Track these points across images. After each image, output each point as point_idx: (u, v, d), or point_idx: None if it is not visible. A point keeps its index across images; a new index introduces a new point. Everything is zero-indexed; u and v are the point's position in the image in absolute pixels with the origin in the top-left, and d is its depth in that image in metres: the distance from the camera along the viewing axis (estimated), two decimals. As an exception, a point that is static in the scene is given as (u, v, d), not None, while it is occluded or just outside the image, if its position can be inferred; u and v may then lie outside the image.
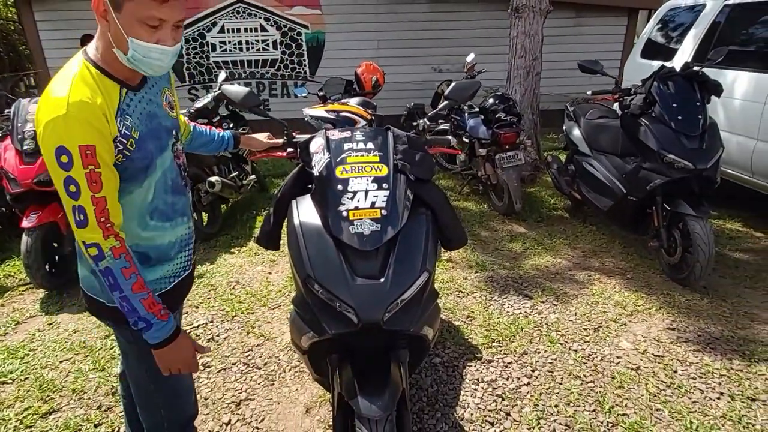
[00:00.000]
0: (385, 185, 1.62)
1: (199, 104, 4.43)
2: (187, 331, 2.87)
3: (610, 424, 2.13)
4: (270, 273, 3.66)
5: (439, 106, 2.05)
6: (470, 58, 5.42)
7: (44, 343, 2.84)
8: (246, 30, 8.17)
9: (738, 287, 3.25)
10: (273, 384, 2.45)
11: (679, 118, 3.16)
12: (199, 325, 2.95)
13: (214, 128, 1.91)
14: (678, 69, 3.36)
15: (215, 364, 2.61)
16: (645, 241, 3.61)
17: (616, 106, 3.95)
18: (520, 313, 3.01)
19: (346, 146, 1.71)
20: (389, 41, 8.32)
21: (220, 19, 8.10)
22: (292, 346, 1.85)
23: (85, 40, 7.13)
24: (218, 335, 2.86)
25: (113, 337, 1.51)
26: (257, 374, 2.52)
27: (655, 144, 3.19)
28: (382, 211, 1.57)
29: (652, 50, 5.64)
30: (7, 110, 3.65)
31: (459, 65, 5.51)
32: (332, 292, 1.51)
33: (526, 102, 5.70)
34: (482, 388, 2.37)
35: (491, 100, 4.63)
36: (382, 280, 1.52)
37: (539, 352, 2.63)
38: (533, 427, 2.13)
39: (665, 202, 3.32)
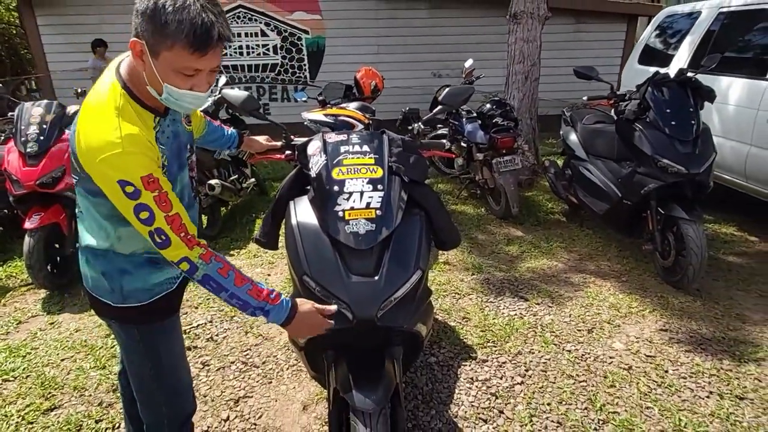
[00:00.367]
0: (379, 186, 1.67)
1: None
2: (187, 331, 2.92)
3: (600, 422, 2.17)
4: (269, 275, 3.71)
5: (433, 111, 2.10)
6: (468, 63, 5.49)
7: (46, 341, 2.89)
8: (247, 35, 8.26)
9: (731, 290, 3.30)
10: (271, 382, 2.49)
11: (673, 123, 3.22)
12: (198, 325, 3.00)
13: (223, 125, 1.98)
14: (672, 75, 3.42)
15: (214, 363, 2.65)
16: (640, 245, 3.65)
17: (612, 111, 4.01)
18: (516, 314, 3.05)
19: (342, 149, 1.76)
20: (389, 46, 8.41)
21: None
22: (289, 343, 1.89)
23: (97, 44, 7.19)
24: (217, 335, 2.91)
25: (113, 336, 1.55)
26: (256, 372, 2.57)
27: (649, 149, 3.24)
28: (377, 211, 1.62)
29: (649, 56, 5.71)
30: (10, 113, 3.71)
31: (458, 70, 5.58)
32: (328, 290, 1.56)
33: (524, 107, 5.76)
34: (476, 386, 2.41)
35: (488, 105, 4.69)
36: (376, 278, 1.57)
37: (533, 353, 2.67)
38: (525, 425, 2.17)
39: (659, 206, 3.37)
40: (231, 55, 8.32)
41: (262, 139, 2.08)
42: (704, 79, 3.71)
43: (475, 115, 4.87)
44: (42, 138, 3.35)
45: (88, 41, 7.83)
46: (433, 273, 3.60)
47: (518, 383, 2.44)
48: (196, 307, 3.21)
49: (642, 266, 3.66)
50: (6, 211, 4.06)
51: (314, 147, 1.83)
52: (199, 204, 4.13)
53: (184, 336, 2.82)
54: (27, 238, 3.25)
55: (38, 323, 3.10)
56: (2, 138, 4.40)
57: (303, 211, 1.73)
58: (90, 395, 2.42)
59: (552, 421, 2.18)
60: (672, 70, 4.24)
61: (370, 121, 2.75)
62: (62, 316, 3.18)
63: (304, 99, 4.79)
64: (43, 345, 2.85)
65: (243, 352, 2.74)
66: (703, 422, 2.15)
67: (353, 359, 1.65)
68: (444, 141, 2.20)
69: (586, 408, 2.26)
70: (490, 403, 2.30)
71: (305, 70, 8.55)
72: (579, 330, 2.88)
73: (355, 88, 4.90)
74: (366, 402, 1.51)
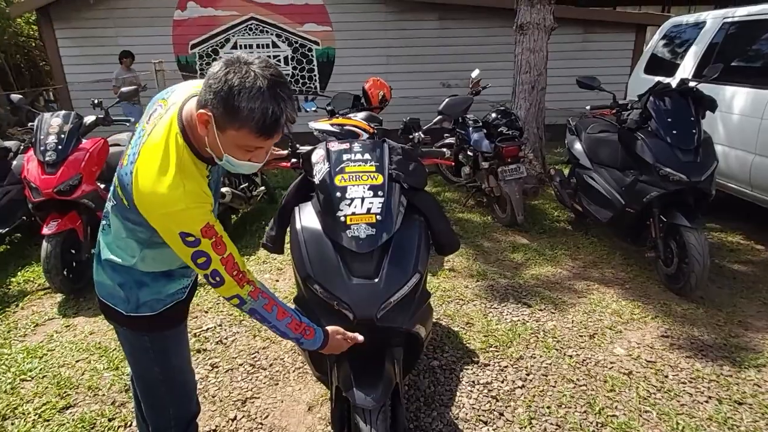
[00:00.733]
0: (380, 193, 1.74)
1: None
2: (197, 334, 3.00)
3: (599, 425, 2.21)
4: (277, 280, 3.79)
5: (433, 121, 2.18)
6: (475, 74, 5.56)
7: (61, 343, 2.99)
8: (258, 46, 8.44)
9: (734, 297, 3.32)
10: (277, 383, 2.56)
11: (674, 132, 3.26)
12: (208, 329, 3.08)
13: None
14: (674, 85, 3.47)
15: (223, 365, 2.73)
16: (644, 252, 3.68)
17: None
18: (518, 320, 3.10)
19: (345, 157, 1.85)
20: (398, 57, 8.53)
21: (233, 36, 8.37)
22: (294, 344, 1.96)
23: (124, 56, 7.36)
24: (226, 338, 2.98)
25: (119, 341, 1.62)
26: (263, 374, 2.64)
27: (651, 157, 3.29)
28: (377, 216, 1.70)
29: (655, 66, 5.74)
30: (30, 123, 3.85)
31: (467, 80, 5.66)
32: (330, 291, 1.64)
33: (531, 116, 5.82)
34: (478, 389, 2.46)
35: (494, 115, 4.76)
36: (376, 280, 1.64)
37: (535, 357, 2.71)
38: (525, 427, 2.21)
39: (662, 214, 3.41)
40: (243, 66, 8.48)
41: (267, 147, 2.17)
42: (708, 88, 3.75)
43: (480, 124, 4.94)
44: (60, 147, 3.48)
45: (105, 53, 8.07)
46: (438, 279, 3.66)
47: (519, 387, 2.48)
48: (206, 311, 3.29)
49: (646, 274, 3.68)
50: (25, 217, 4.20)
51: (318, 155, 1.91)
52: (210, 211, 4.27)
53: (194, 339, 2.92)
54: (45, 244, 3.37)
55: (54, 326, 3.21)
56: (22, 147, 4.57)
57: (307, 217, 1.81)
58: (103, 395, 2.51)
59: (551, 424, 2.23)
60: (677, 79, 4.28)
61: (375, 131, 2.84)
62: (77, 319, 3.28)
63: (313, 109, 4.88)
64: (59, 347, 2.95)
65: (251, 354, 2.82)
66: (701, 426, 2.18)
67: (355, 359, 1.71)
68: (444, 150, 2.27)
69: (585, 411, 2.30)
70: (490, 406, 2.35)
71: (315, 80, 8.70)
72: (581, 336, 2.91)
73: (363, 99, 4.99)
74: (366, 399, 1.57)
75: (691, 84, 3.43)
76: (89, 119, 3.81)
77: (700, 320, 3.04)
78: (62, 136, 3.53)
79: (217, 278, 1.29)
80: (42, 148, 3.48)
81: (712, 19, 4.87)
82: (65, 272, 3.46)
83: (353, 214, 1.70)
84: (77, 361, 2.80)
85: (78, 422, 2.32)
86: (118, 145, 4.18)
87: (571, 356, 2.72)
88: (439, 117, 2.17)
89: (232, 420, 2.32)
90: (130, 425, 2.30)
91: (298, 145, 2.15)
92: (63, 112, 3.77)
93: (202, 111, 1.15)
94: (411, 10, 8.30)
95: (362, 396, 1.58)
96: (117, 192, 1.34)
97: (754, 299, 3.29)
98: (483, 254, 4.16)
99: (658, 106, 3.38)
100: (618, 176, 3.80)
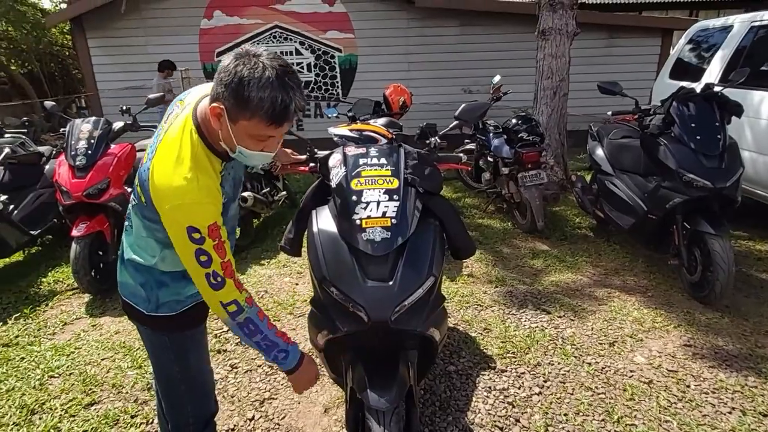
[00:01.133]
0: (395, 197, 1.77)
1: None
2: (217, 335, 3.06)
3: (617, 434, 2.18)
4: (297, 284, 3.84)
5: (449, 126, 2.20)
6: (496, 79, 5.56)
7: (88, 342, 3.08)
8: (282, 53, 8.52)
9: (762, 307, 3.23)
10: (295, 385, 2.59)
11: (698, 138, 3.20)
12: (228, 330, 3.13)
13: None
14: (698, 90, 3.41)
15: (242, 366, 2.77)
16: (667, 260, 3.61)
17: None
18: (537, 326, 3.08)
19: (361, 161, 1.87)
20: (420, 63, 8.57)
21: (258, 44, 8.50)
22: (310, 345, 1.99)
23: (166, 66, 7.53)
24: (246, 340, 3.03)
25: (142, 340, 1.67)
26: (280, 376, 2.67)
27: (673, 163, 3.24)
28: (392, 220, 1.72)
29: (681, 71, 5.65)
30: (62, 129, 3.99)
31: (488, 86, 5.66)
32: (345, 293, 1.66)
33: (552, 122, 5.78)
34: (494, 395, 2.45)
35: (514, 121, 4.75)
36: (390, 282, 1.66)
37: (553, 364, 2.69)
38: (541, 434, 2.20)
39: (686, 221, 3.35)
40: (267, 73, 8.63)
41: (286, 152, 2.22)
42: (735, 93, 3.68)
43: (501, 130, 4.93)
44: (90, 152, 3.60)
45: (134, 62, 8.32)
46: (457, 285, 3.66)
47: (536, 393, 2.46)
48: (227, 313, 3.35)
49: (669, 282, 3.62)
50: (56, 220, 4.34)
51: (335, 159, 1.95)
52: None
53: (215, 340, 2.98)
54: (74, 245, 3.48)
55: (82, 325, 3.31)
56: (54, 152, 4.73)
57: (324, 220, 1.85)
58: (127, 392, 2.58)
59: None
60: (702, 84, 4.21)
61: (394, 137, 2.87)
62: (104, 318, 3.38)
63: (335, 115, 4.94)
64: (86, 345, 3.05)
65: (269, 356, 2.86)
66: (723, 437, 2.13)
67: (369, 361, 1.73)
68: (460, 155, 2.29)
69: (603, 420, 2.27)
70: (506, 412, 2.34)
71: (338, 87, 8.79)
72: (600, 343, 2.88)
73: (384, 105, 5.03)
74: (380, 401, 1.59)
75: (716, 89, 3.37)
76: (118, 125, 3.93)
77: (725, 330, 2.97)
78: (92, 141, 3.65)
79: (218, 279, 1.29)
80: (72, 153, 3.61)
81: (740, 22, 4.78)
82: (93, 273, 3.57)
83: (369, 217, 1.72)
84: (102, 360, 2.89)
85: (102, 418, 2.39)
86: (145, 150, 4.29)
87: (590, 364, 2.69)
88: (454, 122, 2.18)
89: (250, 420, 2.36)
90: (152, 422, 2.36)
91: (316, 150, 2.19)
92: (93, 118, 3.90)
93: (215, 104, 1.20)
94: (432, 17, 8.34)
95: (376, 397, 1.59)
96: (137, 190, 1.39)
97: (783, 309, 3.20)
98: (502, 260, 4.14)
99: (681, 111, 3.33)
100: (640, 182, 3.75)
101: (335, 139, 2.91)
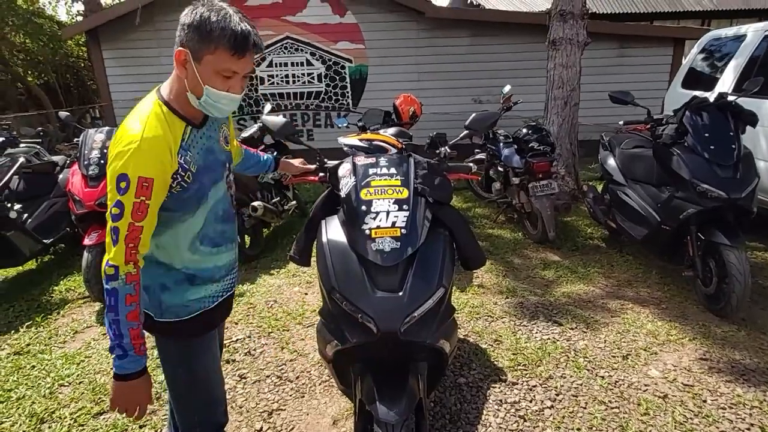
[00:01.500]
0: (405, 207, 1.76)
1: (245, 134, 4.74)
2: (226, 345, 3.05)
3: (631, 449, 2.13)
4: (306, 294, 3.83)
5: (459, 136, 2.18)
6: (507, 89, 5.55)
7: (98, 351, 3.09)
8: (293, 64, 8.64)
9: (779, 320, 3.17)
10: (303, 396, 2.58)
11: (712, 147, 3.16)
12: (237, 340, 3.13)
13: (259, 152, 2.12)
14: (711, 99, 3.37)
15: (251, 376, 2.76)
16: (681, 271, 3.56)
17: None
18: (549, 338, 3.03)
19: (371, 171, 1.87)
20: (430, 73, 8.59)
21: (269, 54, 8.60)
22: (319, 356, 1.97)
23: None
24: (255, 349, 3.03)
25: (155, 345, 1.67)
26: (289, 387, 2.66)
27: (687, 173, 3.19)
28: (402, 230, 1.70)
29: (693, 80, 5.62)
30: (76, 139, 4.04)
31: (498, 96, 5.66)
32: (354, 304, 1.65)
33: (563, 132, 5.76)
34: (505, 409, 2.42)
35: (525, 130, 4.73)
36: (400, 293, 1.64)
37: (565, 377, 2.65)
38: (553, 449, 2.16)
39: (700, 232, 3.30)
40: (278, 83, 8.71)
41: (297, 162, 2.22)
42: (750, 103, 3.64)
43: (511, 139, 4.91)
44: (103, 162, 3.63)
45: (147, 72, 8.43)
46: (467, 296, 3.63)
47: (548, 407, 2.42)
48: (236, 323, 3.35)
49: (683, 293, 3.56)
50: (68, 229, 4.38)
51: (345, 169, 1.94)
52: (242, 224, 4.36)
53: (224, 349, 2.97)
54: (85, 254, 3.50)
55: (92, 333, 3.32)
56: (68, 162, 4.79)
57: (333, 230, 1.84)
58: (135, 402, 2.57)
59: (581, 446, 2.16)
60: (716, 94, 4.17)
61: (404, 146, 2.86)
62: (114, 327, 3.38)
63: (345, 125, 4.96)
64: (96, 354, 3.05)
65: (278, 366, 2.85)
66: (741, 454, 2.08)
67: (378, 373, 1.72)
68: (470, 164, 2.27)
69: (617, 434, 2.22)
70: (517, 426, 2.30)
71: (348, 97, 8.83)
72: (613, 356, 2.83)
73: (394, 114, 5.04)
74: (389, 414, 1.57)
75: (730, 98, 3.33)
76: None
77: (742, 343, 2.91)
78: (105, 151, 3.69)
79: (115, 236, 1.26)
80: (86, 163, 3.64)
81: (753, 31, 4.74)
82: (104, 282, 3.57)
83: (378, 227, 1.71)
84: (112, 368, 2.88)
85: (110, 428, 2.38)
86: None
87: (603, 377, 2.64)
88: (464, 132, 2.17)
89: (258, 431, 2.34)
90: (160, 431, 2.35)
91: (326, 159, 2.19)
92: (106, 128, 3.94)
93: (179, 49, 1.27)
94: (443, 27, 8.37)
95: (385, 410, 1.57)
96: None
97: (801, 322, 3.13)
98: (513, 271, 4.10)
99: (694, 120, 3.30)
100: (653, 192, 3.71)
101: (345, 148, 2.91)
